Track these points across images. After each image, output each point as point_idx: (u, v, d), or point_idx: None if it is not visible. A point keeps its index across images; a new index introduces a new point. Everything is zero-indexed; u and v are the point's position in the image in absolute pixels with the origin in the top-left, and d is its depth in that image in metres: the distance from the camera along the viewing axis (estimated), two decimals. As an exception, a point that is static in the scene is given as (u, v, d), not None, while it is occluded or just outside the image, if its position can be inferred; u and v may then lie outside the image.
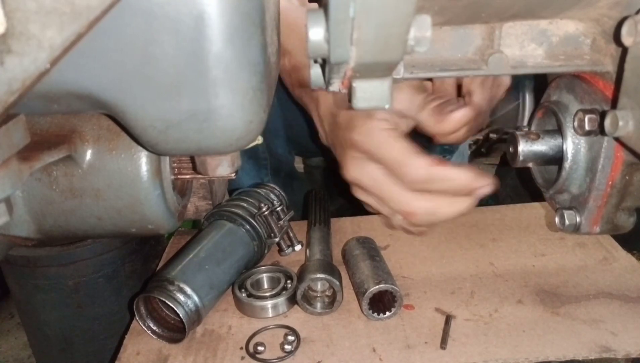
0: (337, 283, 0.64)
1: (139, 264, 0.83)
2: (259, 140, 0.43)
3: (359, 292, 0.64)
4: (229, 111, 0.36)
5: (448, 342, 0.60)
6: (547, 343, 0.58)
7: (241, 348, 0.62)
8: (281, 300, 0.66)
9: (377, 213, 0.64)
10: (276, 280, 0.70)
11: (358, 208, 0.71)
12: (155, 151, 0.41)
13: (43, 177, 0.51)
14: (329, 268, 0.66)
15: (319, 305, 0.66)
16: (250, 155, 1.02)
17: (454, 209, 0.57)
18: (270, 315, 0.66)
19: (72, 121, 0.51)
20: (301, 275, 0.66)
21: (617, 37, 0.38)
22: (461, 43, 0.43)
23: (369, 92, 0.34)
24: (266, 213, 0.74)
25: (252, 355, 0.60)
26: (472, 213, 0.87)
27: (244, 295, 0.67)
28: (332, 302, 0.66)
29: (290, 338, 0.61)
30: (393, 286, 0.63)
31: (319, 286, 0.67)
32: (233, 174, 0.49)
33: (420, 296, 0.68)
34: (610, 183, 0.44)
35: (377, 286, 0.62)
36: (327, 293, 0.67)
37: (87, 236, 0.73)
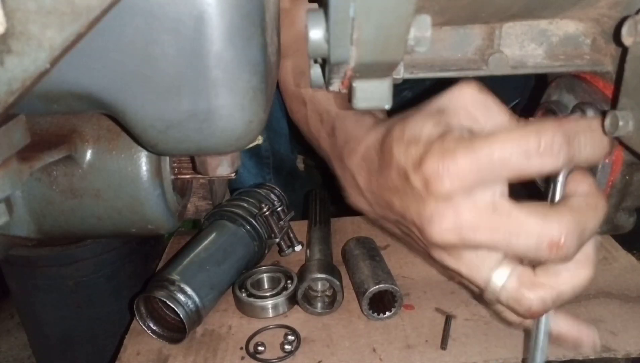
0: (338, 283, 0.64)
1: (139, 264, 0.83)
2: (259, 140, 0.43)
3: (359, 292, 0.64)
4: (229, 111, 0.36)
5: (448, 341, 0.60)
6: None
7: (241, 348, 0.62)
8: (281, 300, 0.66)
9: (464, 279, 0.43)
10: (276, 280, 0.70)
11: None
12: (155, 151, 0.41)
13: (43, 177, 0.51)
14: (330, 268, 0.66)
15: (319, 305, 0.66)
16: (252, 153, 1.02)
17: (600, 215, 0.38)
18: (271, 315, 0.66)
19: (72, 121, 0.51)
20: (302, 274, 0.66)
21: (617, 37, 0.37)
22: (461, 43, 0.43)
23: (369, 92, 0.34)
24: (267, 213, 0.74)
25: (252, 355, 0.60)
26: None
27: (244, 295, 0.67)
28: (332, 302, 0.66)
29: (291, 338, 0.61)
30: (393, 286, 0.63)
31: (319, 286, 0.67)
32: (233, 174, 0.49)
33: (420, 296, 0.68)
34: (610, 183, 0.44)
35: (377, 286, 0.62)
36: (327, 293, 0.67)
37: (87, 236, 0.73)
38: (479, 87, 0.41)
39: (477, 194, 0.37)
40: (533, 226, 0.36)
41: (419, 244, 0.45)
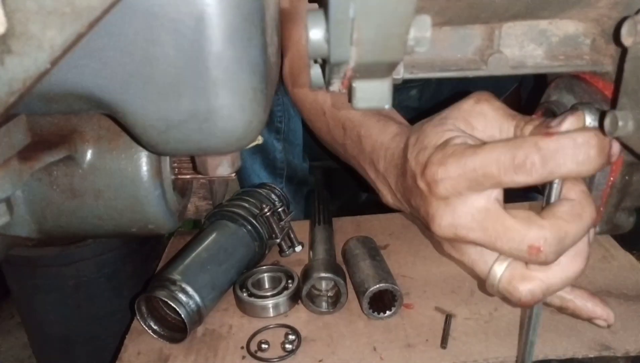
0: (343, 282, 0.65)
1: (139, 264, 0.83)
2: (259, 140, 0.43)
3: (359, 291, 0.64)
4: (229, 111, 0.36)
5: (448, 340, 0.60)
6: (547, 341, 0.59)
7: (242, 347, 0.62)
8: (282, 299, 0.66)
9: (469, 271, 0.49)
10: (277, 280, 0.70)
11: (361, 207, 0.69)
12: (156, 152, 0.41)
13: (43, 177, 0.51)
14: (335, 268, 0.66)
15: (323, 304, 0.66)
16: (267, 164, 1.03)
17: (584, 223, 0.41)
18: (271, 314, 0.66)
19: (72, 121, 0.51)
20: (307, 273, 0.66)
21: (617, 37, 0.37)
22: (461, 43, 0.43)
23: (369, 93, 0.34)
24: (268, 213, 0.74)
25: (253, 355, 0.60)
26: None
27: (245, 294, 0.67)
28: (334, 302, 0.66)
29: (291, 337, 0.62)
30: (393, 286, 0.63)
31: (323, 285, 0.67)
32: (233, 175, 0.49)
33: (420, 295, 0.68)
34: (610, 183, 0.44)
35: (378, 286, 0.62)
36: (329, 293, 0.68)
37: (88, 236, 0.73)
38: (484, 97, 0.45)
39: (472, 198, 0.42)
40: (516, 232, 0.40)
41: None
